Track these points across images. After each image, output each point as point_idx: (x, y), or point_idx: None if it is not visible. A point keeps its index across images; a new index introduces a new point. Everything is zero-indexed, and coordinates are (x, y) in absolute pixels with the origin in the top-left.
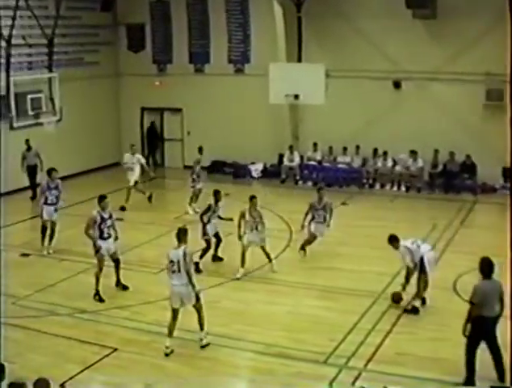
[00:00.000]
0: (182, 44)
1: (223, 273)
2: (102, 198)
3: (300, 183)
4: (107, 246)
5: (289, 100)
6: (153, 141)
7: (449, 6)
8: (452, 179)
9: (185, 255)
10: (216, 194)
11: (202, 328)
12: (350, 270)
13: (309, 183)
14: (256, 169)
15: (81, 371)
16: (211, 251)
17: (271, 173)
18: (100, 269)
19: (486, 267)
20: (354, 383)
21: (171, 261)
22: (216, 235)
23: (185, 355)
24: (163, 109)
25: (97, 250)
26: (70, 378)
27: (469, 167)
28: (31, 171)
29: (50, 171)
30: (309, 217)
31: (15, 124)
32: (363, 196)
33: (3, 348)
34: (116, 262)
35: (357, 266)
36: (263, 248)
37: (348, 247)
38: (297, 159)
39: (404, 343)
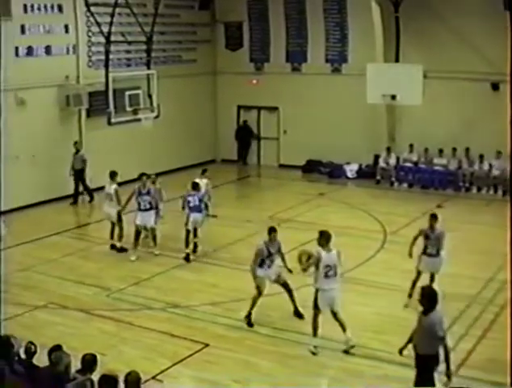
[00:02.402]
0: (280, 42)
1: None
2: None
3: (396, 184)
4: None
5: (386, 100)
6: (245, 139)
7: None
8: None
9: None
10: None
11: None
12: (443, 273)
13: (405, 185)
14: (351, 169)
15: (172, 365)
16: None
17: (366, 173)
18: (259, 294)
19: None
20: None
21: (327, 265)
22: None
23: (276, 353)
24: (260, 107)
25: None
26: (161, 372)
27: None
28: (77, 176)
29: (140, 176)
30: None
31: (113, 120)
32: (458, 199)
33: (96, 340)
34: (285, 287)
35: (451, 269)
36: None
37: (442, 251)
38: (393, 160)
39: (497, 350)
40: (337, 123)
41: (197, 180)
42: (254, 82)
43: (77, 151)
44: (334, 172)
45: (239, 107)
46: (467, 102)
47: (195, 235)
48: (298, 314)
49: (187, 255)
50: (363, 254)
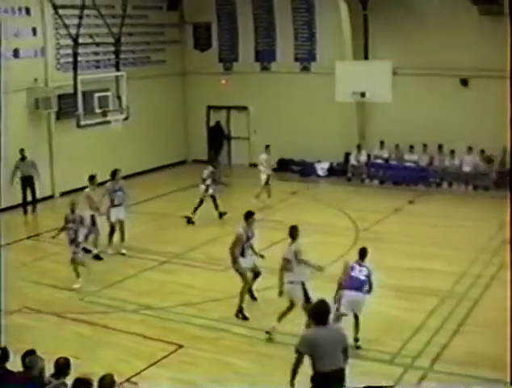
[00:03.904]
0: (248, 42)
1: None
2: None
3: (367, 181)
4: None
5: (355, 98)
6: (217, 139)
7: None
8: None
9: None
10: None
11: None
12: (416, 268)
13: (376, 182)
14: (322, 167)
15: (148, 367)
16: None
17: (338, 171)
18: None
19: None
20: (420, 383)
21: (285, 259)
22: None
23: (253, 352)
24: (229, 107)
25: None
26: (136, 374)
27: None
28: (26, 183)
29: (115, 173)
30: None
31: (82, 122)
32: (430, 195)
33: (71, 344)
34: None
35: (424, 265)
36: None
37: (416, 246)
38: (364, 157)
39: (472, 343)
40: (308, 121)
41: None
42: (223, 82)
43: (23, 158)
44: (306, 170)
45: (209, 108)
46: (437, 98)
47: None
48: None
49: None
50: (336, 251)
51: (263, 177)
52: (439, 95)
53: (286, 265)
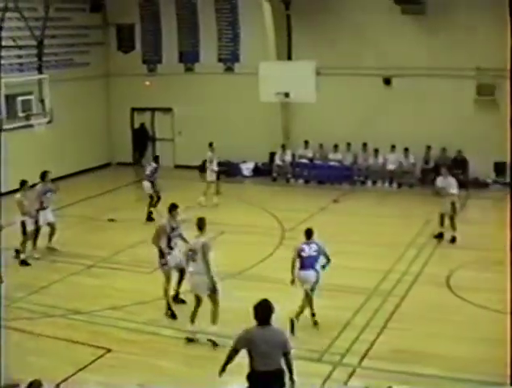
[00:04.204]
0: (172, 43)
1: (217, 273)
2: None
3: (292, 180)
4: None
5: (279, 98)
6: (142, 141)
7: (438, 2)
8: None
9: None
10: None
11: (214, 322)
12: (343, 267)
13: (301, 181)
14: (247, 167)
15: (77, 372)
16: None
17: (263, 171)
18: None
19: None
20: (348, 380)
21: (191, 249)
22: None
23: (181, 354)
24: (154, 109)
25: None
26: (65, 379)
27: (460, 163)
28: None
29: (44, 174)
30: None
31: (5, 126)
32: (354, 193)
33: None
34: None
35: (350, 263)
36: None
37: (340, 244)
38: (289, 157)
39: (399, 340)
40: (232, 122)
41: None
42: (148, 83)
43: None
44: (231, 171)
45: (133, 110)
46: (360, 97)
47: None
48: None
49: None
50: (263, 251)
51: (209, 174)
52: (363, 95)
53: (192, 255)
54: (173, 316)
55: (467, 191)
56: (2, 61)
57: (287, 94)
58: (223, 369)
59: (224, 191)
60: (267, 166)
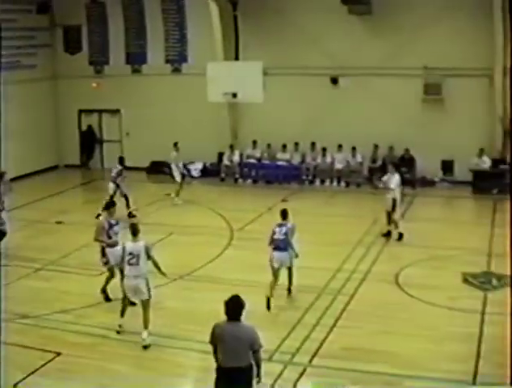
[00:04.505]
0: (119, 44)
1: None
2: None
3: (240, 181)
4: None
5: (227, 99)
6: (89, 143)
7: (384, 2)
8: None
9: (146, 248)
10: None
11: (146, 327)
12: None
13: (249, 181)
14: (195, 168)
15: (27, 376)
16: None
17: (211, 172)
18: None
19: (233, 308)
20: (299, 379)
21: (130, 253)
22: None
23: (132, 356)
24: (101, 111)
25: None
26: (16, 384)
27: (408, 161)
28: None
29: (1, 175)
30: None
31: None
32: (303, 193)
33: None
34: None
35: (299, 262)
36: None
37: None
38: (237, 157)
39: (349, 338)
40: (180, 123)
41: None
42: (95, 85)
43: None
44: None
45: (80, 111)
46: (308, 97)
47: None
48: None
49: None
50: (211, 251)
51: (176, 175)
52: (310, 94)
53: (131, 260)
54: (107, 299)
55: (415, 190)
56: None
57: (234, 95)
58: (216, 360)
59: (172, 192)
60: (216, 167)
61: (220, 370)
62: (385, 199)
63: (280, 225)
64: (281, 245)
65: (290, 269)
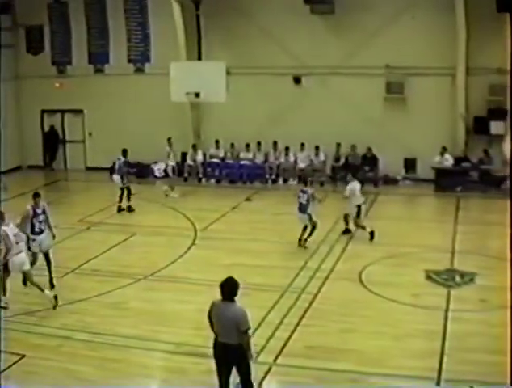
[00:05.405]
0: (82, 44)
1: (129, 274)
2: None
3: (204, 180)
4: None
5: (190, 98)
6: (52, 144)
7: (347, 1)
8: (354, 172)
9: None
10: None
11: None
12: (256, 265)
13: (212, 181)
14: (159, 168)
15: None
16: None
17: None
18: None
19: (227, 289)
20: (264, 378)
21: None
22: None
23: (95, 357)
24: (64, 111)
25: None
26: None
27: (370, 160)
28: None
29: None
30: None
31: None
32: (266, 191)
33: None
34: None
35: (263, 261)
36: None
37: (254, 243)
38: (200, 157)
39: (313, 336)
40: (144, 123)
41: None
42: (57, 85)
43: None
44: (142, 172)
45: (43, 112)
46: (271, 96)
47: None
48: (52, 285)
49: None
50: (176, 252)
51: (169, 169)
52: (273, 94)
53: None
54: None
55: (378, 188)
56: None
57: (197, 94)
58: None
59: (136, 192)
60: (179, 167)
61: (216, 342)
62: (348, 203)
63: (303, 192)
64: (302, 208)
65: (306, 227)
